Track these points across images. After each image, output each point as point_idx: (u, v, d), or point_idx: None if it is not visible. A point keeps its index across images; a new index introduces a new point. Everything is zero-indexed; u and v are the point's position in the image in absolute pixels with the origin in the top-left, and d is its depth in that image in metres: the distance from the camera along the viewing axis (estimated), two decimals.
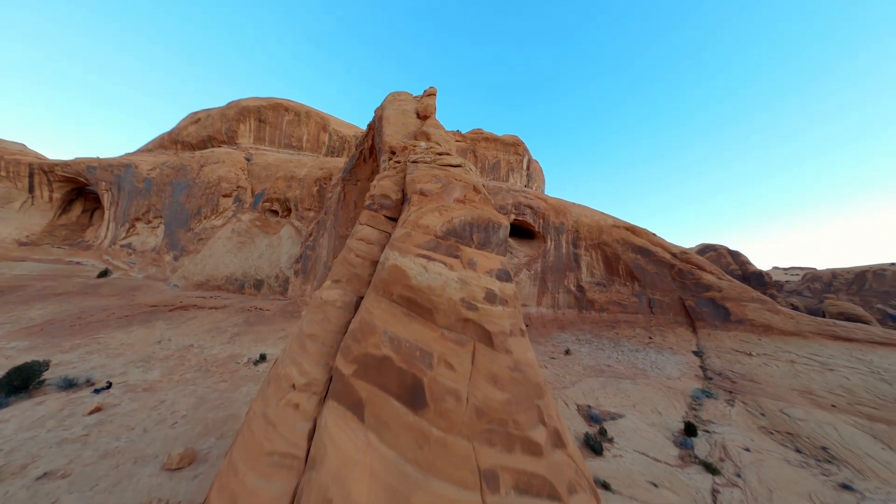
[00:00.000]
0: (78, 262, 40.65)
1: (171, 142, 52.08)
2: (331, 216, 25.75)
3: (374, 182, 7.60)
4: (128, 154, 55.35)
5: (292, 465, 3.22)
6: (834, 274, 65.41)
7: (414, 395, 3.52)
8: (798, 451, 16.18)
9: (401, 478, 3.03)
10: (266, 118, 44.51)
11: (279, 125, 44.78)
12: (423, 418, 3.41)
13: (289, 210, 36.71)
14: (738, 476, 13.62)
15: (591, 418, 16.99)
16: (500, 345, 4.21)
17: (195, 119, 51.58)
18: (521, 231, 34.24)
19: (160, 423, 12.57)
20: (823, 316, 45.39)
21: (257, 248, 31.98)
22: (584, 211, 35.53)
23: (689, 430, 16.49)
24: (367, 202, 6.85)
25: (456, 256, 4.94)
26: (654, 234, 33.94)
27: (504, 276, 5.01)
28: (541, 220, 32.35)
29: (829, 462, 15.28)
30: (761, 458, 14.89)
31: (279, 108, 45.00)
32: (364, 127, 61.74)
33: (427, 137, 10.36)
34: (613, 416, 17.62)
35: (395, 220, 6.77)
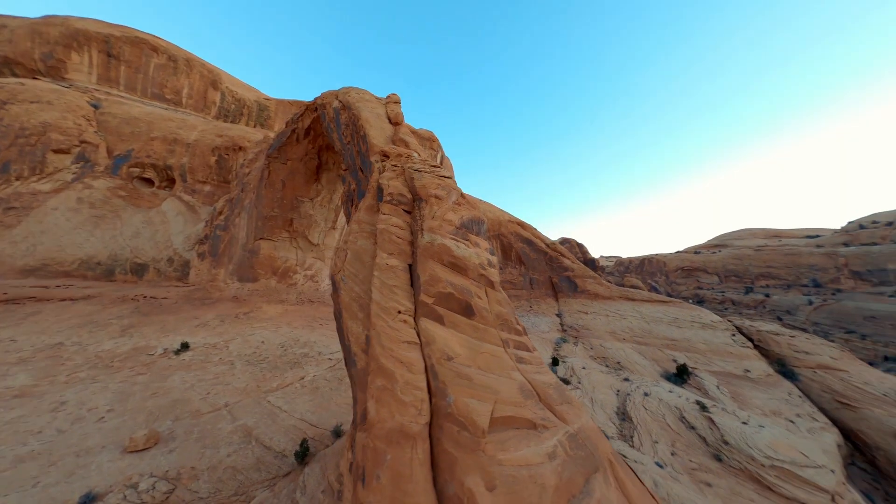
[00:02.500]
0: None
1: None
2: (250, 194, 23.58)
3: (385, 181, 9.84)
4: None
5: (416, 346, 5.95)
6: (630, 261, 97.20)
7: (467, 311, 6.74)
8: (607, 366, 26.48)
9: (471, 343, 6.27)
10: (121, 54, 33.64)
11: (143, 68, 34.66)
12: (473, 320, 6.70)
13: (171, 180, 30.08)
14: (579, 382, 21.88)
15: None
16: (497, 287, 7.85)
17: None
18: None
19: (79, 422, 11.19)
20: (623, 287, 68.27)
21: (128, 225, 25.47)
22: (489, 207, 42.79)
23: (555, 362, 24.52)
24: (388, 198, 9.18)
25: (467, 239, 8.24)
26: (535, 229, 44.08)
27: (492, 252, 8.62)
28: None
29: (620, 369, 25.84)
30: (590, 371, 23.91)
31: (142, 45, 34.66)
32: (263, 91, 52.90)
33: (406, 145, 12.76)
34: None
35: (408, 212, 9.40)
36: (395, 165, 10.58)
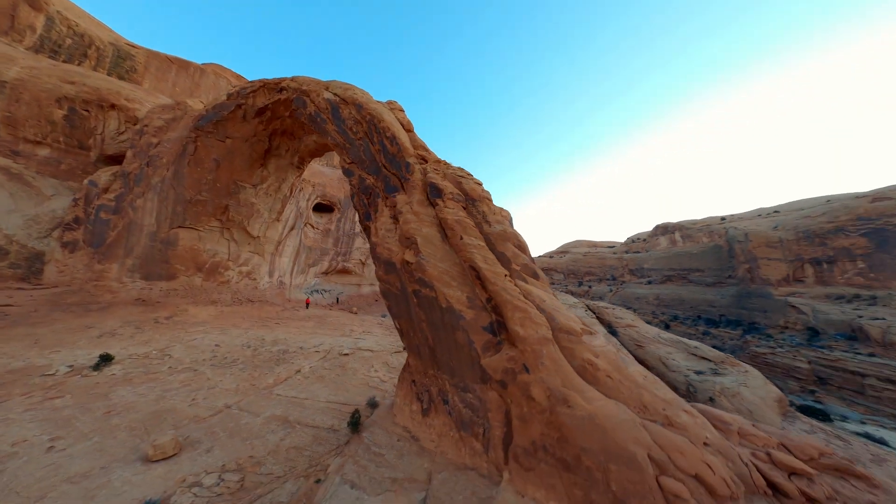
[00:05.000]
0: None
1: None
2: (161, 171, 18.61)
3: (439, 182, 12.00)
4: None
5: (523, 295, 9.08)
6: None
7: (535, 275, 10.24)
8: None
9: (547, 294, 9.87)
10: None
11: None
12: (540, 281, 10.31)
13: None
14: None
15: None
16: (536, 260, 11.72)
17: None
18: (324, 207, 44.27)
19: (11, 458, 8.26)
20: None
21: None
22: None
23: None
24: (449, 196, 11.47)
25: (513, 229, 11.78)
26: None
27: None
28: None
29: None
30: None
31: None
32: (124, 35, 37.68)
33: (426, 150, 14.90)
34: None
35: (464, 208, 12.01)
36: (437, 169, 12.91)
